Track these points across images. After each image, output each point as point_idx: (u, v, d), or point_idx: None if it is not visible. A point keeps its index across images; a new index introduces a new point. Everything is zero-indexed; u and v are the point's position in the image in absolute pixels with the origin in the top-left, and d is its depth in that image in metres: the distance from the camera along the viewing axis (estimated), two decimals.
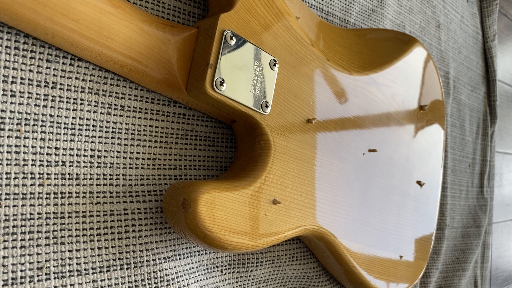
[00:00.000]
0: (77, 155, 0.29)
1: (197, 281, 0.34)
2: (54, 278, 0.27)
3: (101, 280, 0.29)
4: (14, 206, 0.26)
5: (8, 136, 0.25)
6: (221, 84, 0.30)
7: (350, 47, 0.43)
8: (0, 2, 0.23)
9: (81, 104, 0.29)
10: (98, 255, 0.29)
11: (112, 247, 0.29)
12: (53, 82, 0.27)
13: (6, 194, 0.25)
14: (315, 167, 0.38)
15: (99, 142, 0.30)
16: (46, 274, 0.27)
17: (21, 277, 0.26)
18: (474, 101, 0.79)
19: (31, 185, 0.27)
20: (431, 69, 0.53)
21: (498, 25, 0.86)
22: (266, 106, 0.33)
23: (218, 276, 0.36)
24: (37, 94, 0.27)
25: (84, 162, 0.29)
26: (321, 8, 0.47)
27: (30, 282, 0.26)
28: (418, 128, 0.52)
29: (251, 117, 0.33)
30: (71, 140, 0.28)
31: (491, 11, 0.82)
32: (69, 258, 0.27)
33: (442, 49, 0.70)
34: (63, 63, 0.28)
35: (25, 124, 0.26)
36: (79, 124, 0.29)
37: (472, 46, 0.79)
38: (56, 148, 0.28)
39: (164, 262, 0.32)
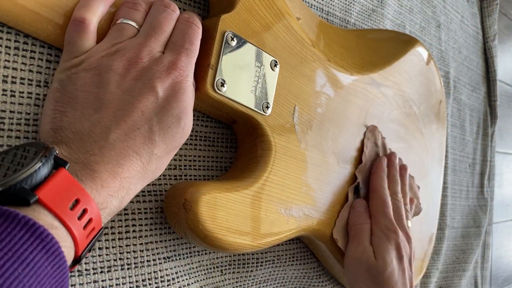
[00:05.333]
0: None
1: (197, 281, 0.34)
2: None
3: (102, 281, 0.29)
4: None
5: (7, 136, 0.25)
6: (222, 85, 0.30)
7: (351, 48, 0.43)
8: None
9: None
10: (99, 255, 0.29)
11: (112, 247, 0.29)
12: None
13: None
14: (316, 167, 0.38)
15: None
16: None
17: None
18: (474, 101, 0.79)
19: None
20: (431, 69, 0.53)
21: (499, 25, 0.86)
22: (267, 107, 0.33)
23: (218, 276, 0.36)
24: (37, 94, 0.27)
25: None
26: (322, 8, 0.47)
27: None
28: (418, 128, 0.52)
29: (251, 118, 0.33)
30: None
31: (491, 11, 0.82)
32: None
33: (442, 49, 0.70)
34: None
35: (25, 124, 0.26)
36: None
37: (473, 46, 0.79)
38: None
39: (164, 262, 0.32)
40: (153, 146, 0.24)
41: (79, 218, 0.20)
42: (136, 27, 0.27)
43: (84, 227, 0.20)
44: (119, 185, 0.23)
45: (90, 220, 0.21)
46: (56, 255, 0.18)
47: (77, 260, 0.21)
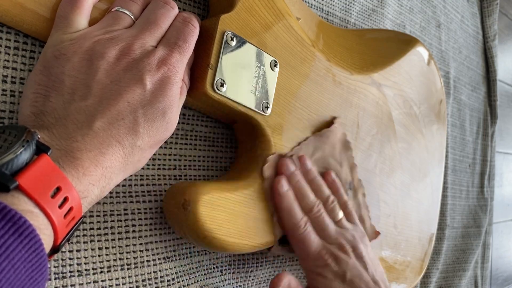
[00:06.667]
0: None
1: (197, 281, 0.34)
2: (55, 279, 0.27)
3: (102, 281, 0.29)
4: None
5: None
6: (222, 85, 0.30)
7: (351, 48, 0.43)
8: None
9: None
10: (99, 256, 0.29)
11: (112, 247, 0.29)
12: None
13: None
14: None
15: None
16: None
17: None
18: (474, 101, 0.79)
19: None
20: (432, 69, 0.53)
21: (499, 25, 0.86)
22: (267, 107, 0.33)
23: (218, 276, 0.36)
24: None
25: None
26: (321, 8, 0.47)
27: None
28: (419, 128, 0.52)
29: (251, 118, 0.33)
30: None
31: (491, 11, 0.82)
32: (70, 259, 0.27)
33: (442, 49, 0.70)
34: None
35: None
36: None
37: (473, 46, 0.79)
38: None
39: (164, 262, 0.32)
40: (137, 137, 0.24)
41: (60, 206, 0.20)
42: (132, 18, 0.27)
43: (65, 216, 0.20)
44: (101, 174, 0.22)
45: (71, 209, 0.20)
46: (31, 238, 0.17)
47: (55, 250, 0.20)
